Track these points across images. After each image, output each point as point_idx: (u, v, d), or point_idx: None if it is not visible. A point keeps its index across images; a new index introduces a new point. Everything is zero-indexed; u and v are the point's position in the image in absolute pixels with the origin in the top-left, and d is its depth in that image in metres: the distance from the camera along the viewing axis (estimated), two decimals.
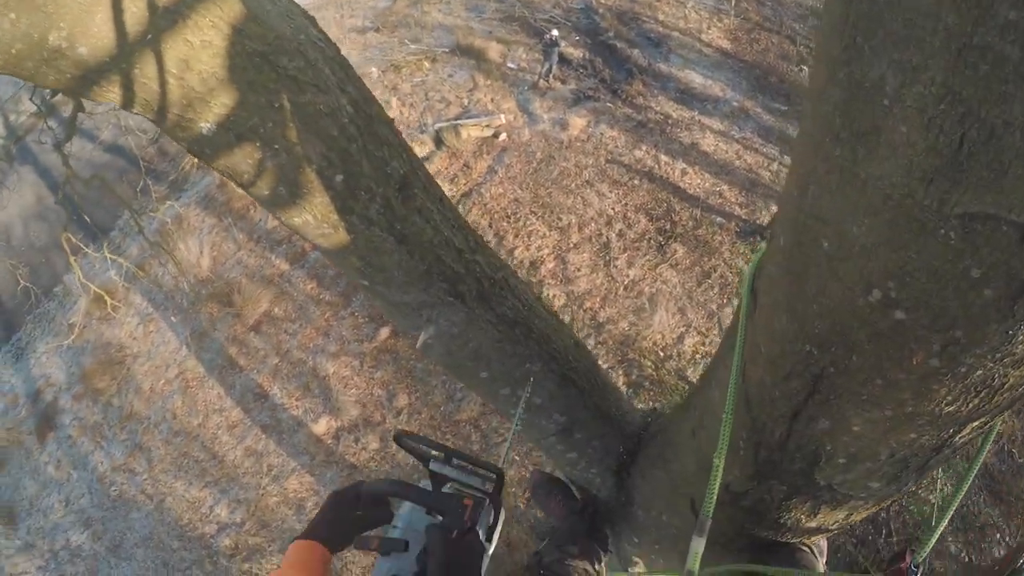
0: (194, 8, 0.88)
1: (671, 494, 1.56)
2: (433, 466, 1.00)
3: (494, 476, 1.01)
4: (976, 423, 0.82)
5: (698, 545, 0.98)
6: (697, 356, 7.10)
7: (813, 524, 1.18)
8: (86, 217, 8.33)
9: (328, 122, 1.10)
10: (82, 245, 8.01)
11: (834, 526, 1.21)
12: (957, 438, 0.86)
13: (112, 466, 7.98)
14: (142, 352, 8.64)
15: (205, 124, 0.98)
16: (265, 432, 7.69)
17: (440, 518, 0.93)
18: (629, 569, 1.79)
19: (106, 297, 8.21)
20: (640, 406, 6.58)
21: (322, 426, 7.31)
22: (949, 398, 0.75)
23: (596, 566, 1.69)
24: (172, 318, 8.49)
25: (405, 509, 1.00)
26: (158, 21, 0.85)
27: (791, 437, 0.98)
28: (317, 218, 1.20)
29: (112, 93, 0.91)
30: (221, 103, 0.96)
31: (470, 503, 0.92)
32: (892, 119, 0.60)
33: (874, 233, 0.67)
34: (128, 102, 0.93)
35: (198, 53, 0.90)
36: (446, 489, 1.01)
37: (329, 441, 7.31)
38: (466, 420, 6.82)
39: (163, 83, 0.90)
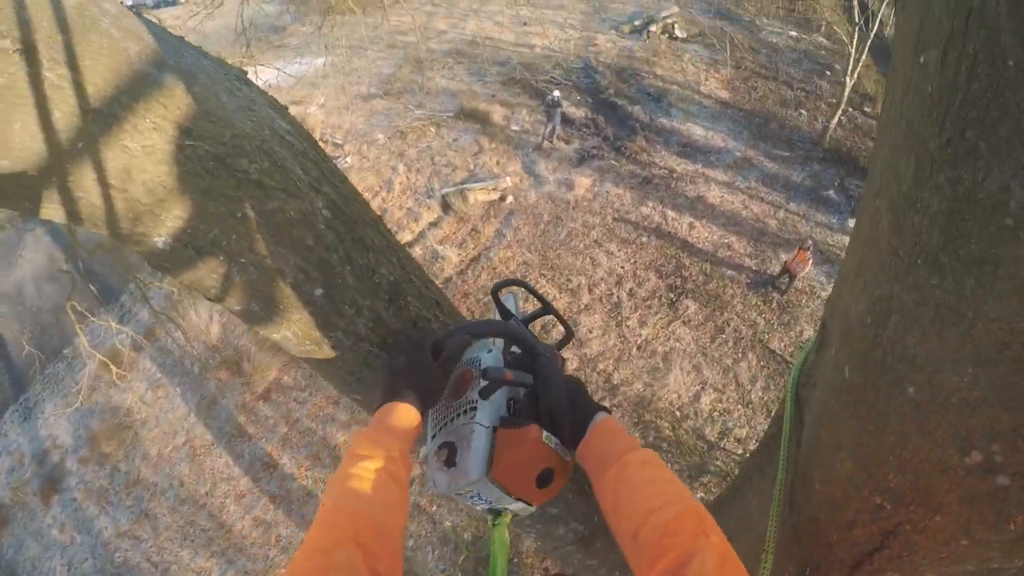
0: (131, 109, 0.76)
1: None
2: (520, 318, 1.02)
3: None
4: None
5: None
6: (715, 414, 6.99)
7: None
8: (92, 287, 8.40)
9: (302, 230, 0.97)
10: (88, 314, 8.04)
11: None
12: None
13: (117, 532, 7.82)
14: (150, 417, 8.57)
15: (159, 239, 0.86)
16: (274, 502, 7.56)
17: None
18: None
19: (111, 366, 8.21)
20: None
21: None
22: None
23: None
24: (181, 384, 8.45)
25: (478, 351, 0.96)
26: (89, 127, 0.73)
27: None
28: (298, 335, 1.07)
29: (50, 210, 0.79)
30: (174, 215, 0.84)
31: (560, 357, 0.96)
32: (1017, 246, 0.47)
33: (981, 387, 0.56)
34: (72, 218, 0.81)
35: (140, 161, 0.78)
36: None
37: None
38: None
39: (105, 197, 0.79)
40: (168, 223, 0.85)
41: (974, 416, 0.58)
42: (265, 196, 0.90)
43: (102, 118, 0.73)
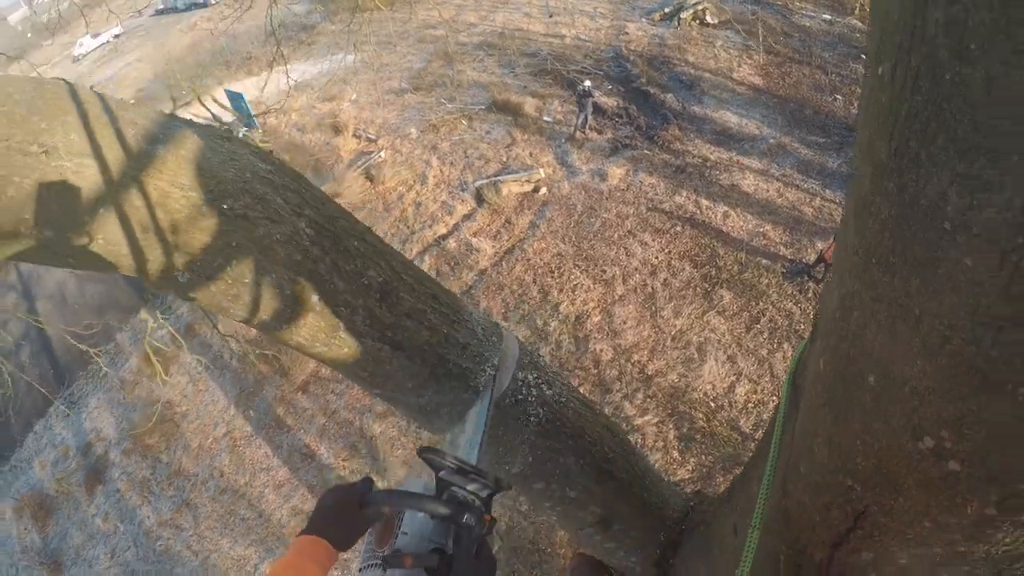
0: (136, 176, 0.99)
1: None
2: (443, 475, 1.02)
3: (492, 487, 1.02)
4: None
5: None
6: (749, 405, 6.86)
7: None
8: (133, 286, 8.62)
9: (289, 248, 1.15)
10: (130, 311, 8.26)
11: None
12: (1018, 566, 0.78)
13: (159, 521, 8.02)
14: (191, 410, 8.77)
15: (178, 273, 1.09)
16: (312, 492, 7.68)
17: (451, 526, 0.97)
18: None
19: (155, 361, 8.44)
20: (685, 489, 6.37)
21: None
22: (1007, 540, 0.69)
23: None
24: (221, 378, 8.63)
25: (410, 515, 0.99)
26: (113, 192, 0.97)
27: (833, 563, 0.93)
28: (308, 338, 1.24)
29: (93, 263, 1.02)
30: (184, 252, 1.05)
31: (488, 519, 0.97)
32: (955, 249, 0.50)
33: (928, 378, 0.60)
34: (110, 267, 1.04)
35: (153, 211, 1.00)
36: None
37: None
38: (509, 495, 6.69)
39: (132, 245, 1.03)
40: (180, 259, 1.06)
41: (924, 405, 0.62)
42: (252, 226, 1.10)
43: (120, 186, 0.97)
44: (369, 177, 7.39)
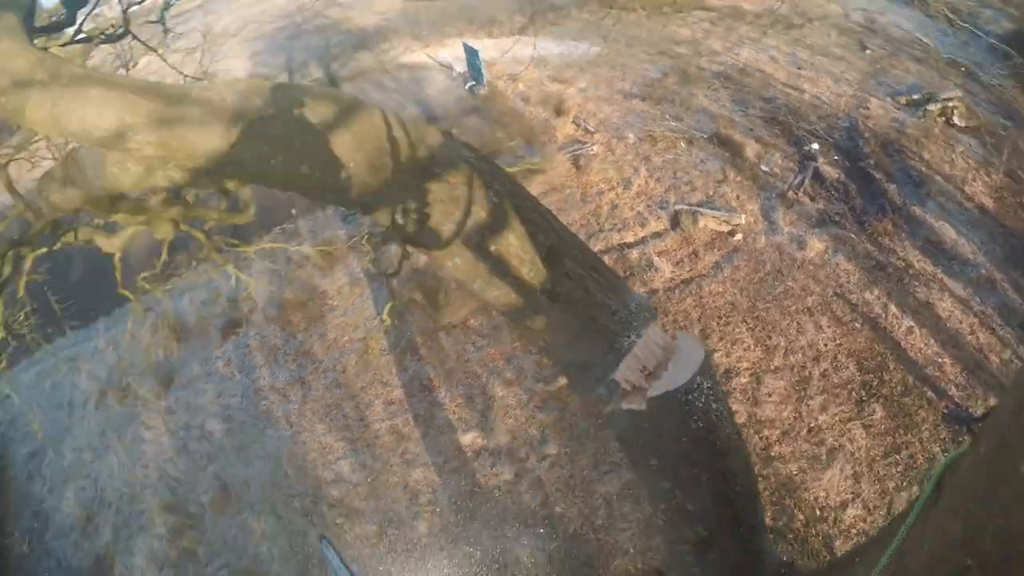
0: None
1: None
2: None
3: None
4: None
5: None
6: (853, 531, 6.50)
7: None
8: None
9: (476, 208, 1.65)
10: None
11: None
12: None
13: (271, 385, 8.80)
14: (339, 307, 9.61)
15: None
16: (416, 421, 8.20)
17: None
18: None
19: (318, 254, 9.26)
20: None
21: (468, 439, 7.68)
22: None
23: None
24: (377, 291, 9.37)
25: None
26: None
27: None
28: (460, 266, 1.75)
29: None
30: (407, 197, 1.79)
31: None
32: None
33: None
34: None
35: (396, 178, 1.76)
36: None
37: (468, 454, 7.66)
38: (602, 493, 6.80)
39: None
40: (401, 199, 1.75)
41: None
42: (450, 187, 1.60)
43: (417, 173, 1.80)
44: (576, 165, 7.68)
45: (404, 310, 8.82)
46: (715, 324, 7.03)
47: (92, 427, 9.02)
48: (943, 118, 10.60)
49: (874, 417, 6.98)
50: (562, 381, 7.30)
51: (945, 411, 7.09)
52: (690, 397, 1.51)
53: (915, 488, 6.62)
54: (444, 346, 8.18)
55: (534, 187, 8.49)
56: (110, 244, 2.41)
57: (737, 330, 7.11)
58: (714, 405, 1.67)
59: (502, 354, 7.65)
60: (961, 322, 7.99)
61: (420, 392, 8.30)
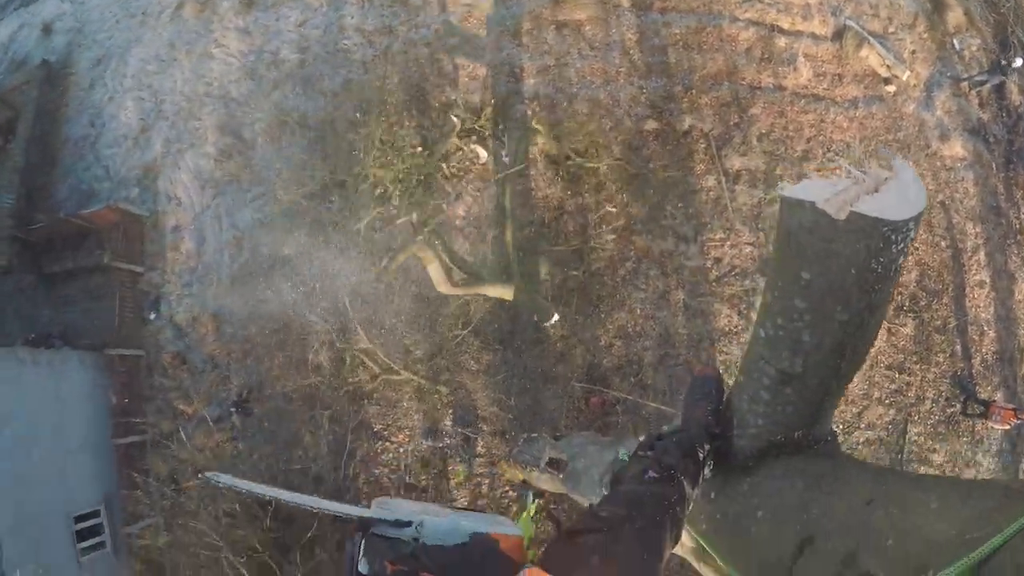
0: None
1: (789, 512, 1.43)
2: None
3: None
4: None
5: None
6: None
7: None
8: None
9: None
10: None
11: None
12: None
13: (358, 27, 7.99)
14: None
15: None
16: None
17: None
18: None
19: None
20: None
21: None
22: None
23: (693, 492, 1.54)
24: None
25: None
26: None
27: None
28: None
29: None
30: None
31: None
32: None
33: None
34: None
35: None
36: None
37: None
38: (640, 248, 6.50)
39: None
40: None
41: None
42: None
43: None
44: None
45: None
46: (818, 149, 6.52)
47: (163, 38, 8.58)
48: None
49: (903, 330, 6.88)
50: (652, 124, 6.73)
51: (959, 373, 7.03)
52: (893, 236, 1.24)
53: (892, 410, 6.73)
54: (549, 41, 7.43)
55: None
56: None
57: (836, 167, 6.61)
58: (900, 258, 1.38)
59: (604, 73, 7.01)
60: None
61: (507, 76, 7.57)
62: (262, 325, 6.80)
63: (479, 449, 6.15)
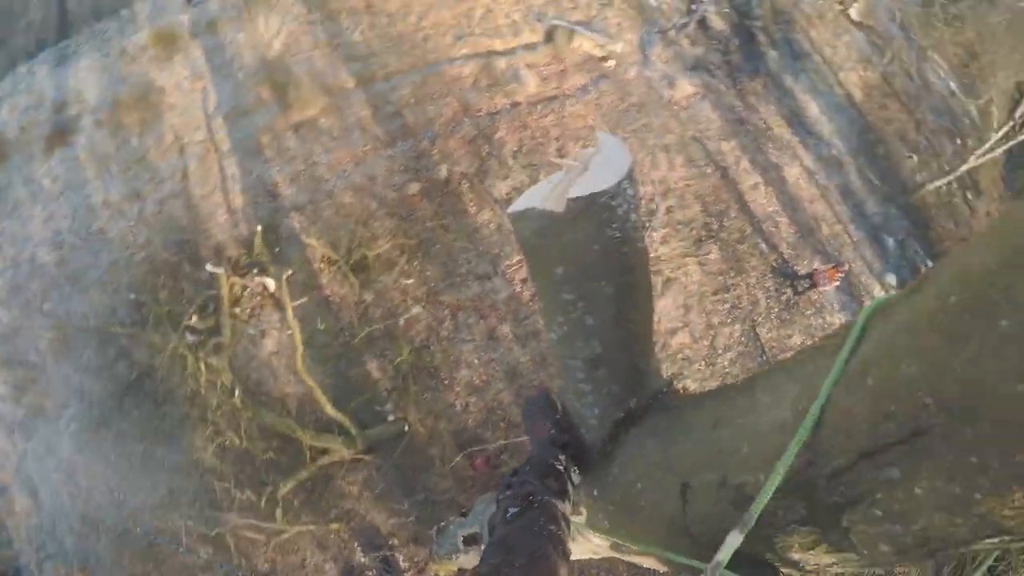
0: None
1: (659, 470, 1.50)
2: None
3: None
4: (1008, 538, 0.82)
5: (735, 540, 1.07)
6: (679, 356, 7.03)
7: (798, 557, 1.15)
8: None
9: None
10: None
11: (812, 569, 1.19)
12: (981, 542, 0.86)
13: (104, 201, 7.83)
14: (179, 105, 8.48)
15: None
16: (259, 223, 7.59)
17: None
18: (573, 518, 1.72)
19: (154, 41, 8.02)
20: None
21: (313, 241, 7.22)
22: (1015, 506, 0.75)
23: (565, 506, 1.59)
24: (221, 86, 8.31)
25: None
26: None
27: (849, 471, 0.96)
28: None
29: None
30: None
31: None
32: None
33: None
34: None
35: None
36: None
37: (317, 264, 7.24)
38: (450, 304, 6.66)
39: None
40: None
41: None
42: None
43: None
44: None
45: (250, 108, 7.91)
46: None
47: None
48: (841, 6, 10.71)
49: (709, 257, 7.33)
50: (415, 188, 6.94)
51: (774, 264, 7.61)
52: (613, 203, 1.38)
53: (737, 326, 7.15)
54: (291, 147, 7.48)
55: None
56: None
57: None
58: (632, 216, 1.49)
59: (353, 157, 7.11)
60: (803, 190, 8.45)
61: (264, 197, 7.65)
62: (132, 557, 6.27)
63: (403, 564, 5.96)
